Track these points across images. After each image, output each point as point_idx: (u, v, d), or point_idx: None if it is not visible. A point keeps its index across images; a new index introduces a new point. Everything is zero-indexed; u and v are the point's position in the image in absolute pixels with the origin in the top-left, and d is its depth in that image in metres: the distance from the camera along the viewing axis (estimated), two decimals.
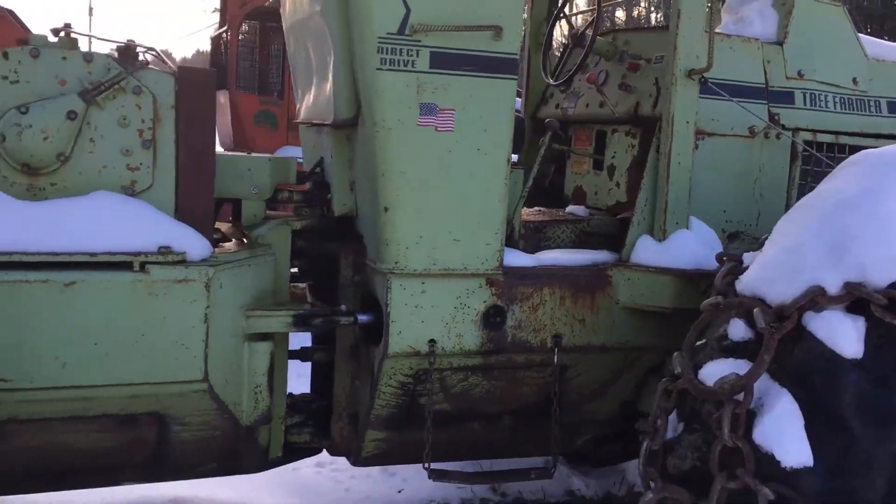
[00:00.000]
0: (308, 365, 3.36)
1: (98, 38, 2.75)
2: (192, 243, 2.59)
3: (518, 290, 2.93)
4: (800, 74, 3.38)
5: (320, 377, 3.33)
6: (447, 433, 3.07)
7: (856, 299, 2.24)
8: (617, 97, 3.39)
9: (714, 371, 2.38)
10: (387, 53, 2.65)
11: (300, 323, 2.84)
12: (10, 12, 8.19)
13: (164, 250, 2.53)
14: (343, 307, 2.92)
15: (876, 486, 2.18)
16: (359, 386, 3.07)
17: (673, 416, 2.54)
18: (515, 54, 2.79)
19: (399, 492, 4.19)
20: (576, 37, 3.56)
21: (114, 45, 2.78)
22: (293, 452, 3.17)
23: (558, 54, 4.12)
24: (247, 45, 8.33)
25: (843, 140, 3.44)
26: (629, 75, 3.38)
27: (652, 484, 2.47)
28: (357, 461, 3.14)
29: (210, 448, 2.82)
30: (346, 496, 4.11)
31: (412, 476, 4.29)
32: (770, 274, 2.39)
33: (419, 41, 2.67)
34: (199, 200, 2.73)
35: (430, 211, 2.78)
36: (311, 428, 3.16)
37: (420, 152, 2.73)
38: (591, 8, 3.47)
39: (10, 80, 2.50)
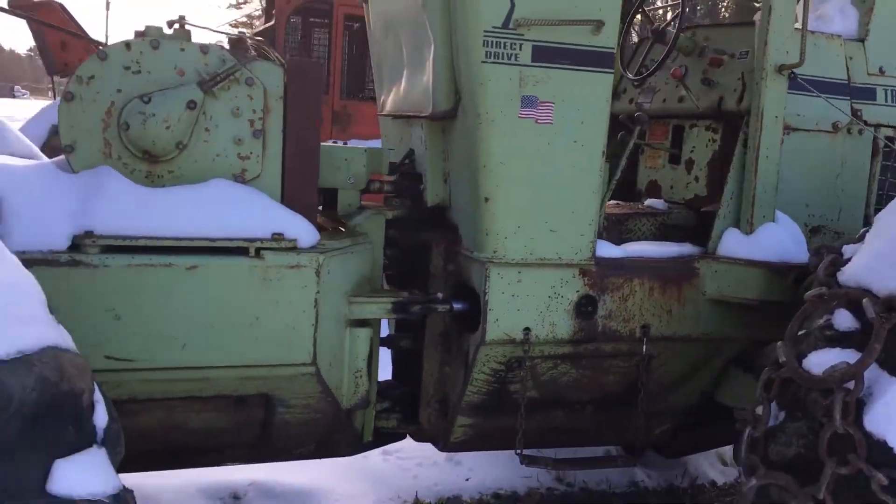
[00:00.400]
0: (386, 352, 3.43)
1: (213, 31, 2.82)
2: (303, 230, 2.66)
3: (609, 281, 2.99)
4: (881, 71, 3.42)
5: (403, 364, 3.39)
6: (533, 420, 3.13)
7: None
8: (698, 92, 3.44)
9: (820, 360, 2.43)
10: (491, 47, 2.71)
11: (399, 310, 2.91)
12: (61, 6, 8.31)
13: (278, 237, 2.60)
14: (439, 295, 2.98)
15: None
16: (449, 373, 3.13)
17: (772, 406, 2.60)
18: (613, 48, 2.85)
19: (466, 480, 4.26)
20: (656, 32, 3.61)
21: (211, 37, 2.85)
22: (380, 438, 3.24)
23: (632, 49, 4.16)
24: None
25: None
26: (711, 70, 3.43)
27: (754, 471, 2.52)
28: (445, 447, 3.21)
29: (311, 430, 2.89)
30: (413, 483, 4.18)
31: (478, 464, 4.36)
32: (877, 265, 2.44)
33: (522, 35, 2.73)
34: (304, 189, 2.80)
35: (529, 202, 2.84)
36: (398, 414, 3.23)
37: (520, 144, 2.79)
38: (671, 3, 3.51)
39: (132, 70, 2.58)
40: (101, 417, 1.77)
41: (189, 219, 2.52)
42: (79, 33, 7.71)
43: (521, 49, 2.74)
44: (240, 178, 2.68)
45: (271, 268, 2.58)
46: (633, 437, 3.34)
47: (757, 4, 3.68)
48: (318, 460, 3.37)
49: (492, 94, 2.74)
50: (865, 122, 3.36)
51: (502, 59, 2.73)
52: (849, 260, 2.58)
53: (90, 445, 1.71)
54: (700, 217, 3.44)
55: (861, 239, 2.63)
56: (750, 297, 3.08)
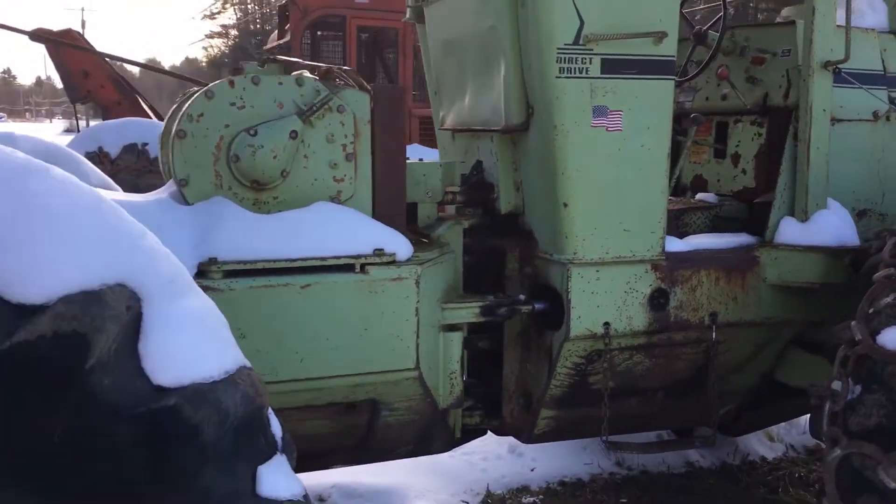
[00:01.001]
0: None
1: (304, 64, 2.99)
2: (399, 244, 2.85)
3: (678, 274, 3.19)
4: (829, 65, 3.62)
5: (481, 364, 3.59)
6: (610, 409, 3.33)
7: None
8: (743, 89, 3.64)
9: (893, 336, 2.64)
10: (564, 62, 2.91)
11: (487, 313, 3.10)
12: (80, 34, 8.44)
13: (379, 252, 2.78)
14: (521, 297, 3.18)
15: None
16: (530, 369, 3.33)
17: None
18: (674, 56, 3.05)
19: (532, 470, 4.46)
20: (698, 35, 3.80)
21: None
22: (466, 434, 3.43)
23: None
24: (305, 55, 8.61)
25: None
26: (753, 68, 3.63)
27: (838, 442, 2.72)
28: (529, 438, 3.40)
29: (411, 430, 3.08)
30: (483, 476, 4.38)
31: (541, 455, 4.56)
32: None
33: (591, 50, 2.93)
34: (394, 206, 2.99)
35: (603, 204, 3.03)
36: (481, 410, 3.42)
37: (594, 151, 2.99)
38: (712, 4, 3.70)
39: (237, 105, 2.76)
40: (277, 427, 1.96)
41: (300, 241, 2.71)
42: (100, 56, 7.85)
43: (591, 63, 2.94)
44: (336, 200, 2.86)
45: (376, 281, 2.77)
46: (702, 419, 3.55)
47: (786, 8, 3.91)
48: (400, 461, 3.57)
49: (566, 107, 2.93)
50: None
51: (574, 73, 2.92)
52: None
53: (275, 453, 1.90)
54: (751, 207, 3.65)
55: None
56: (810, 281, 3.29)
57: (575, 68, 2.92)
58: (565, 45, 2.90)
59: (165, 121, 3.22)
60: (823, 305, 3.38)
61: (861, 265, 3.28)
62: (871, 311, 2.77)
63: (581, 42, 2.91)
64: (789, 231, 3.33)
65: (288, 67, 2.93)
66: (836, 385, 2.80)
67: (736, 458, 4.65)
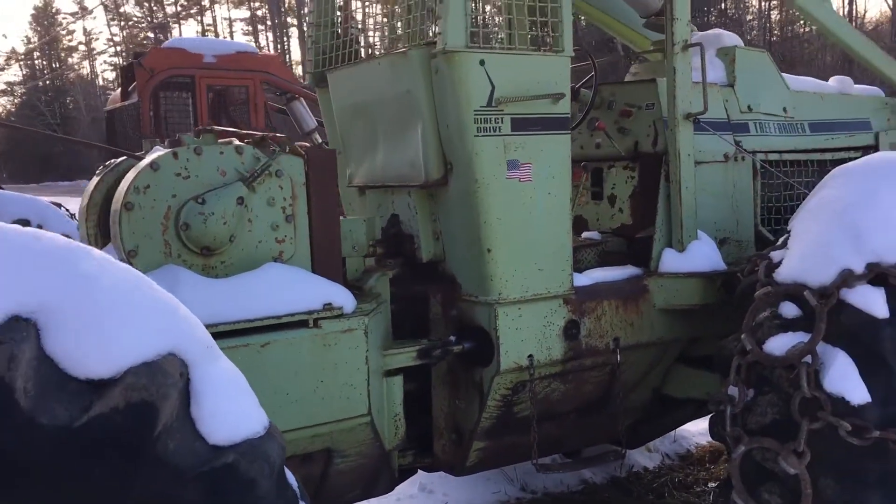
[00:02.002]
0: None
1: (237, 133, 3.11)
2: (345, 298, 3.03)
3: (586, 305, 3.56)
4: (749, 108, 4.24)
5: (407, 405, 3.78)
6: (530, 434, 3.62)
7: (876, 275, 3.04)
8: (615, 138, 4.11)
9: (777, 344, 3.11)
10: (481, 122, 3.22)
11: (424, 356, 3.32)
12: None
13: (328, 306, 2.95)
14: (452, 338, 3.42)
15: None
16: (460, 405, 3.57)
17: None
18: (569, 114, 3.45)
19: None
20: (572, 92, 4.24)
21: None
22: (401, 474, 3.61)
23: None
24: (154, 114, 8.48)
25: (785, 157, 4.34)
26: (622, 120, 4.11)
27: (740, 440, 3.15)
28: (462, 471, 3.64)
29: (360, 475, 3.24)
30: None
31: (450, 490, 4.78)
32: (806, 264, 3.15)
33: (502, 111, 3.26)
34: (331, 261, 3.17)
35: (521, 248, 3.36)
36: (413, 450, 3.61)
37: (510, 201, 3.31)
38: (582, 63, 4.14)
39: (182, 175, 2.86)
40: (290, 475, 2.10)
41: (254, 301, 2.83)
42: None
43: (502, 122, 3.27)
44: (279, 259, 3.01)
45: (329, 334, 2.93)
46: (607, 436, 3.93)
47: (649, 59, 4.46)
48: None
49: (485, 162, 3.24)
50: (745, 151, 4.15)
51: (490, 132, 3.24)
52: (779, 263, 3.30)
53: (298, 499, 2.04)
54: (631, 242, 4.10)
55: (784, 245, 3.36)
56: (691, 303, 3.76)
57: (490, 127, 3.25)
58: (481, 107, 3.22)
59: (89, 192, 3.24)
60: (701, 324, 3.87)
61: (731, 287, 3.80)
62: (754, 324, 3.24)
63: (493, 104, 3.24)
64: (670, 261, 3.79)
65: (221, 136, 3.06)
66: (733, 391, 3.24)
67: (622, 471, 5.08)
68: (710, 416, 3.40)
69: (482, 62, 3.20)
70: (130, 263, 2.80)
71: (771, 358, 3.11)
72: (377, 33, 3.71)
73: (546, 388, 3.59)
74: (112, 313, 1.72)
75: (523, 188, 3.34)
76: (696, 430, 5.53)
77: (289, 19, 51.71)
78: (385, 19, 3.69)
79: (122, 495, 1.66)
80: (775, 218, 4.31)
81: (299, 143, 3.29)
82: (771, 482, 3.12)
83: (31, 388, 1.57)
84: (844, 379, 2.97)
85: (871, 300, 3.02)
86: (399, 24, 3.52)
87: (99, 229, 3.21)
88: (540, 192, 3.38)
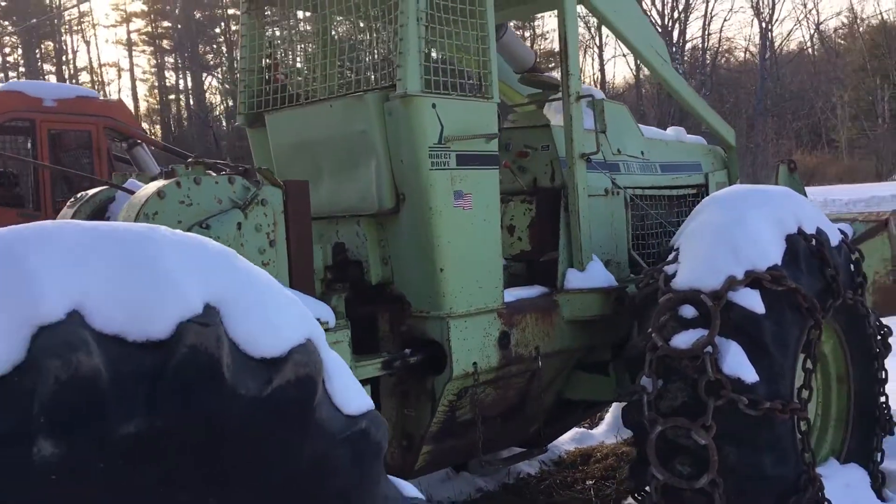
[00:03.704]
0: None
1: (221, 165, 3.33)
2: (328, 313, 3.35)
3: (514, 318, 4.08)
4: (619, 151, 5.00)
5: None
6: (467, 437, 4.06)
7: (752, 280, 3.80)
8: (516, 175, 4.70)
9: (682, 339, 3.78)
10: (434, 158, 3.69)
11: (387, 366, 3.68)
12: None
13: (317, 321, 3.25)
14: (407, 351, 3.80)
15: (787, 383, 3.77)
16: (409, 413, 3.94)
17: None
18: (497, 152, 3.99)
19: None
20: None
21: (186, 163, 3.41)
22: None
23: None
24: None
25: (646, 192, 5.13)
26: (519, 160, 4.72)
27: (656, 422, 3.76)
28: (411, 474, 3.99)
29: None
30: None
31: None
32: (698, 274, 3.87)
33: (449, 147, 3.75)
34: (306, 282, 3.47)
35: (465, 267, 3.82)
36: None
37: (456, 226, 3.78)
38: None
39: (185, 203, 3.08)
40: None
41: None
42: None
43: (450, 157, 3.75)
44: None
45: None
46: (522, 437, 4.45)
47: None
48: None
49: (437, 192, 3.70)
50: (619, 187, 4.90)
51: (440, 166, 3.71)
52: (674, 274, 4.00)
53: None
54: (532, 265, 4.68)
55: (675, 260, 4.07)
56: (593, 315, 4.39)
57: (440, 162, 3.71)
58: (433, 144, 3.68)
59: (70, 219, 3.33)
60: (598, 333, 4.51)
61: (620, 300, 4.48)
62: (659, 324, 3.90)
63: (443, 142, 3.72)
64: (573, 279, 4.41)
65: (208, 168, 3.30)
66: (646, 382, 3.87)
67: (511, 478, 5.60)
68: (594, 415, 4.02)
69: (434, 105, 3.68)
70: None
71: (678, 350, 3.77)
72: (316, 79, 4.06)
73: (481, 394, 4.05)
74: (270, 302, 2.01)
75: (466, 215, 3.83)
76: (565, 438, 6.19)
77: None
78: (319, 67, 4.05)
79: (297, 454, 1.93)
80: (641, 243, 5.08)
81: None
82: (682, 455, 3.76)
83: (231, 364, 1.84)
84: (738, 363, 3.69)
85: (752, 300, 3.78)
86: (346, 71, 3.91)
87: None
88: (478, 219, 3.88)
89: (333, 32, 4.03)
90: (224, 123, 46.64)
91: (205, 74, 53.38)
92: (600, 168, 4.70)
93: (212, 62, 53.54)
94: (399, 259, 3.91)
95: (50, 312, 1.64)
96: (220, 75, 52.71)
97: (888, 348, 4.59)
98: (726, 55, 50.07)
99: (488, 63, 3.93)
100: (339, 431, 2.05)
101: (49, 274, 1.67)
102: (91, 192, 3.45)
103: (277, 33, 4.36)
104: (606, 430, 6.49)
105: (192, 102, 52.55)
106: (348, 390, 2.14)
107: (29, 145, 8.06)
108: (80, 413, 1.61)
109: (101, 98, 9.08)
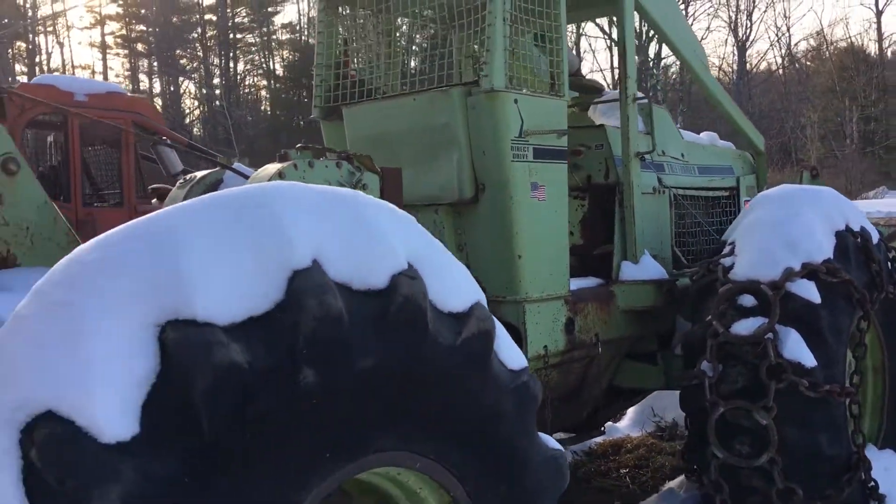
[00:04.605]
0: None
1: (327, 150, 3.51)
2: None
3: (578, 306, 4.29)
4: (663, 153, 5.24)
5: None
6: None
7: (808, 272, 4.05)
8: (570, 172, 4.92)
9: (742, 327, 4.02)
10: (515, 150, 3.89)
11: None
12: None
13: None
14: None
15: (841, 368, 4.02)
16: None
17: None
18: (566, 147, 4.21)
19: None
20: None
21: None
22: None
23: None
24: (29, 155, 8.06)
25: (687, 193, 5.38)
26: (573, 158, 4.94)
27: (717, 404, 3.99)
28: None
29: None
30: None
31: None
32: (756, 267, 4.11)
33: (527, 141, 3.96)
34: None
35: (540, 256, 4.03)
36: None
37: (532, 216, 3.98)
38: None
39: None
40: None
41: None
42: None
43: (528, 151, 3.96)
44: None
45: None
46: (576, 420, 4.65)
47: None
48: None
49: (517, 184, 3.90)
50: (664, 186, 5.14)
51: (520, 158, 3.92)
52: (731, 267, 4.23)
53: None
54: (586, 259, 4.90)
55: (732, 253, 4.31)
56: (646, 305, 4.61)
57: (520, 154, 3.92)
58: (514, 137, 3.89)
59: (182, 200, 3.49)
60: (648, 323, 4.74)
61: (670, 293, 4.72)
62: (719, 313, 4.13)
63: (522, 136, 3.93)
64: (628, 271, 4.63)
65: (315, 153, 3.47)
66: (706, 367, 4.10)
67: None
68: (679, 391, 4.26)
69: (516, 101, 3.89)
70: None
71: (739, 337, 4.01)
72: (398, 74, 4.26)
73: (546, 377, 4.25)
74: (449, 264, 2.21)
75: (540, 206, 4.03)
76: None
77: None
78: (400, 63, 4.25)
79: (477, 401, 2.12)
80: (680, 241, 5.32)
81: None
82: (741, 436, 3.99)
83: (431, 315, 2.03)
84: (798, 349, 3.93)
85: (809, 290, 4.03)
86: (427, 67, 4.11)
87: None
88: (550, 210, 4.09)
89: (416, 31, 4.22)
90: (200, 129, 46.44)
91: (181, 79, 53.17)
92: (651, 168, 4.94)
93: (188, 67, 53.37)
94: (475, 246, 4.11)
95: (301, 259, 1.82)
96: (196, 80, 52.58)
97: None
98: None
99: (561, 63, 4.15)
100: (507, 382, 2.24)
101: (297, 226, 1.85)
102: (200, 174, 3.61)
103: (354, 31, 4.55)
104: (630, 423, 6.73)
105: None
106: (510, 348, 2.33)
107: (62, 138, 8.13)
108: (334, 347, 1.79)
109: (128, 94, 9.16)
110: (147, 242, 1.71)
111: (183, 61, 53.70)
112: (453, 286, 2.15)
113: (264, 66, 50.87)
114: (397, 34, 4.42)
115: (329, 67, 4.46)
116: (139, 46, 54.12)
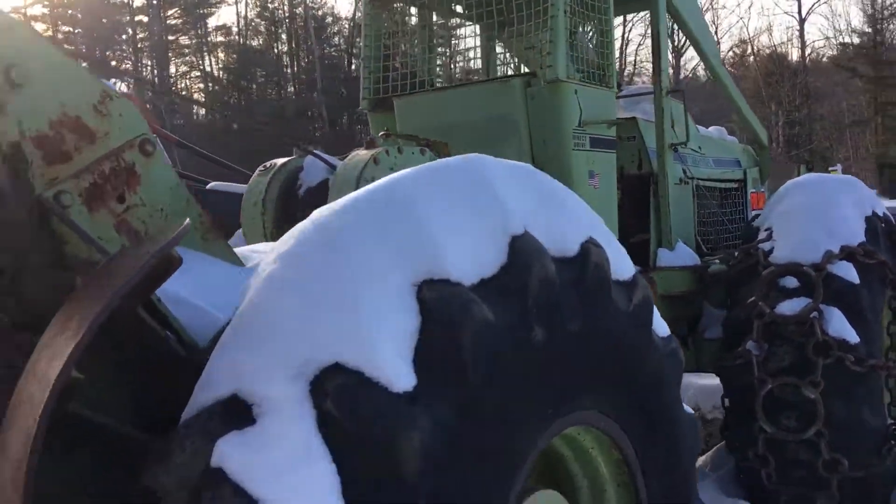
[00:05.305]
0: None
1: (412, 137, 3.58)
2: None
3: None
4: (684, 145, 5.44)
5: None
6: None
7: (847, 254, 4.28)
8: None
9: (788, 307, 4.22)
10: (576, 139, 4.02)
11: None
12: None
13: None
14: None
15: (879, 345, 4.25)
16: None
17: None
18: (615, 137, 4.35)
19: None
20: None
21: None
22: None
23: None
24: None
25: (705, 184, 5.59)
26: None
27: (765, 381, 4.18)
28: None
29: None
30: None
31: None
32: (797, 250, 4.31)
33: (585, 131, 4.09)
34: None
35: None
36: None
37: (590, 204, 4.10)
38: None
39: (393, 169, 3.32)
40: None
41: None
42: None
43: (587, 140, 4.09)
44: None
45: None
46: None
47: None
48: None
49: (577, 171, 4.03)
50: (689, 177, 5.33)
51: (580, 147, 4.05)
52: (771, 251, 4.44)
53: None
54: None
55: (769, 238, 4.51)
56: (683, 290, 4.79)
57: (580, 143, 4.05)
58: (575, 127, 4.02)
59: (262, 189, 3.52)
60: (682, 307, 4.92)
61: (702, 278, 4.91)
62: (764, 294, 4.33)
63: (581, 125, 4.06)
64: (664, 258, 4.80)
65: (398, 140, 3.55)
66: (751, 346, 4.29)
67: None
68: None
69: (576, 91, 4.02)
70: None
71: (785, 317, 4.21)
72: (454, 66, 4.35)
73: None
74: (612, 236, 2.32)
75: (596, 193, 4.17)
76: None
77: None
78: (459, 56, 4.35)
79: (645, 362, 2.26)
80: (701, 229, 5.52)
81: None
82: (788, 410, 4.18)
83: (612, 282, 2.14)
84: (842, 327, 4.15)
85: (849, 271, 4.26)
86: (489, 59, 4.21)
87: (275, 222, 3.49)
88: (603, 197, 4.23)
89: (477, 25, 4.32)
90: None
91: (114, 80, 52.03)
92: (678, 159, 5.12)
93: (121, 68, 52.23)
94: None
95: (517, 225, 1.91)
96: (129, 82, 51.50)
97: None
98: (636, 78, 52.18)
99: (610, 55, 4.30)
100: (663, 348, 2.36)
101: (508, 194, 1.95)
102: (280, 161, 3.63)
103: (400, 24, 4.62)
104: None
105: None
106: (658, 317, 2.45)
107: None
108: (553, 308, 1.89)
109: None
110: (392, 210, 1.78)
111: (114, 63, 52.55)
112: (619, 257, 2.27)
113: (199, 68, 50.17)
114: (461, 27, 4.51)
115: (377, 60, 4.52)
116: (65, 47, 52.81)
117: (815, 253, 4.27)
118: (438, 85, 4.38)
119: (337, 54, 52.00)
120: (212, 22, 56.75)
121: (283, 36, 51.64)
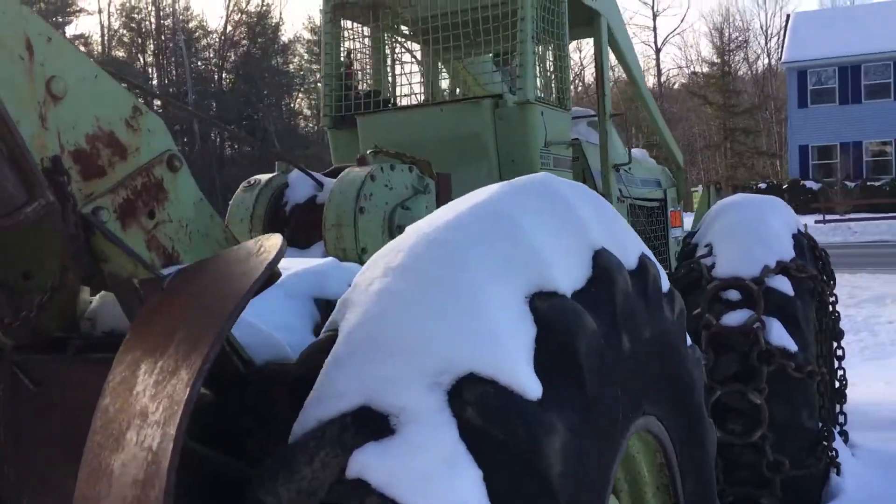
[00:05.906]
0: None
1: (399, 155, 3.59)
2: None
3: None
4: (627, 167, 5.70)
5: None
6: None
7: (781, 269, 4.61)
8: None
9: (733, 318, 4.50)
10: (542, 159, 4.17)
11: None
12: None
13: None
14: None
15: (812, 351, 4.60)
16: None
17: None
18: (571, 157, 4.54)
19: None
20: None
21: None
22: None
23: None
24: None
25: (636, 202, 5.87)
26: None
27: (714, 389, 4.43)
28: None
29: None
30: None
31: None
32: (737, 264, 4.62)
33: (550, 151, 4.25)
34: None
35: None
36: None
37: None
38: None
39: (388, 186, 3.35)
40: None
41: None
42: None
43: (549, 160, 4.25)
44: None
45: None
46: None
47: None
48: None
49: None
50: (625, 196, 5.59)
51: (546, 166, 4.20)
52: (713, 266, 4.72)
53: None
54: None
55: (710, 254, 4.80)
56: None
57: (546, 163, 4.21)
58: (541, 147, 4.17)
59: (249, 205, 3.48)
60: None
61: None
62: (709, 307, 4.60)
63: (546, 145, 4.22)
64: None
65: (388, 158, 3.58)
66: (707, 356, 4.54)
67: None
68: None
69: (542, 112, 4.17)
70: (362, 261, 3.21)
71: (731, 328, 4.49)
72: (424, 85, 4.42)
73: None
74: (648, 251, 2.45)
75: None
76: None
77: None
78: (429, 75, 4.43)
79: (684, 368, 2.38)
80: None
81: None
82: (734, 416, 4.46)
83: (662, 293, 2.27)
84: (782, 336, 4.46)
85: (784, 284, 4.59)
86: (458, 80, 4.31)
87: None
88: None
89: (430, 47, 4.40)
90: None
91: None
92: (617, 179, 5.37)
93: None
94: None
95: (596, 240, 2.01)
96: None
97: (842, 331, 5.62)
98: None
99: (566, 79, 4.48)
100: (692, 354, 2.51)
101: (584, 210, 2.05)
102: (265, 177, 3.59)
103: (360, 43, 4.65)
104: None
105: None
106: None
107: None
108: (632, 318, 2.00)
109: None
110: (496, 225, 1.84)
111: None
112: (662, 269, 2.41)
113: None
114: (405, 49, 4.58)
115: (338, 78, 4.54)
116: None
117: (754, 267, 4.58)
118: (404, 104, 4.44)
119: (204, 66, 50.76)
120: (70, 30, 54.22)
121: (151, 47, 50.07)
